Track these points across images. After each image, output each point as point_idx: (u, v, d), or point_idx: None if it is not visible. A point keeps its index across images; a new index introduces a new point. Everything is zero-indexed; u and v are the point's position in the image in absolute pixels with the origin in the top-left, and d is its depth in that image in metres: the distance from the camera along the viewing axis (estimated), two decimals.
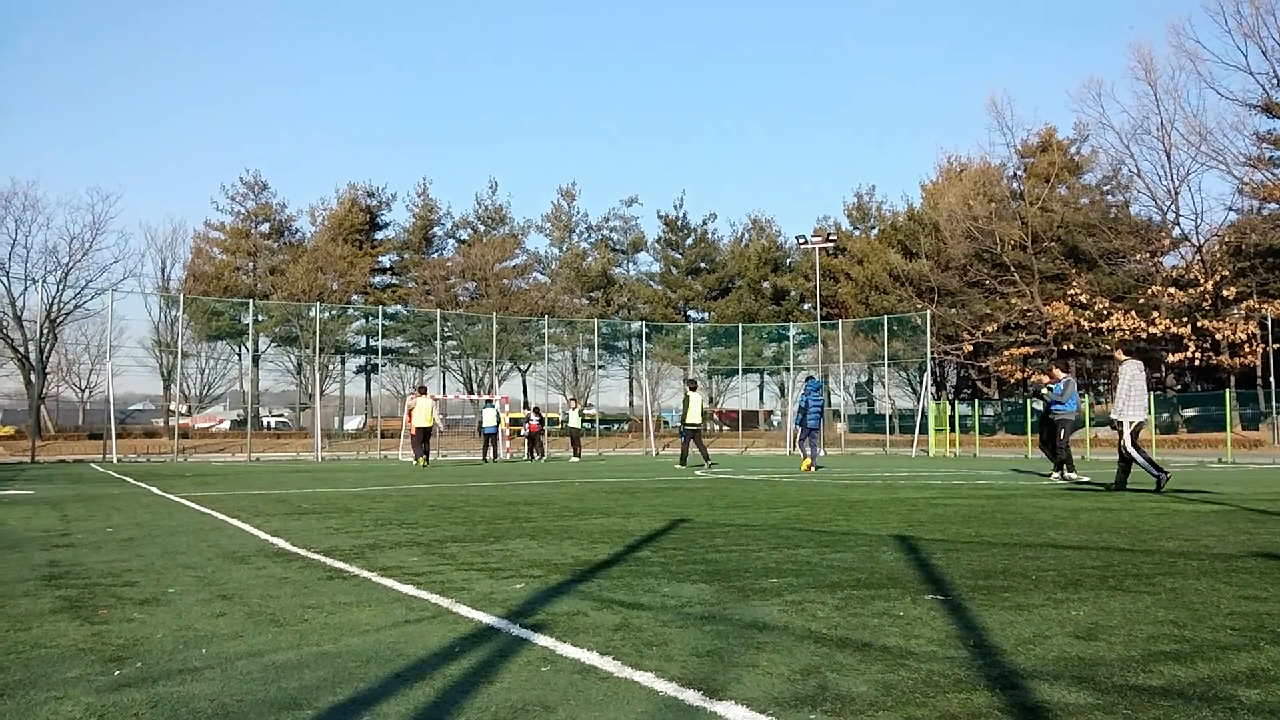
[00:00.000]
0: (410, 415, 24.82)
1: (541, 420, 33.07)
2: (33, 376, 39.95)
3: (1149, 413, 12.82)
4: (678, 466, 20.89)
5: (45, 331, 39.95)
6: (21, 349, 40.60)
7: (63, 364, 47.72)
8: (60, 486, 14.36)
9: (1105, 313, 45.39)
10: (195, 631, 3.68)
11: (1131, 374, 12.58)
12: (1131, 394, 12.47)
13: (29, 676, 2.99)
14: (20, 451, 32.43)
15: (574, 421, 30.16)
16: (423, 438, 23.84)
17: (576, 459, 27.84)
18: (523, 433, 32.73)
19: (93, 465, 25.66)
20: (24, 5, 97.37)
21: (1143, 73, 43.92)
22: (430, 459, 24.55)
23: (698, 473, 20.37)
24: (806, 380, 21.36)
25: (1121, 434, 12.47)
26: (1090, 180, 52.62)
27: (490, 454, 29.14)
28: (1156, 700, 2.68)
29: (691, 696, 2.74)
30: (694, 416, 20.47)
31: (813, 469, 18.91)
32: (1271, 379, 40.57)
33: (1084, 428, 29.97)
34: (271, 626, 3.77)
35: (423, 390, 26.16)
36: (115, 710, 2.61)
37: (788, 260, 62.83)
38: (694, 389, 20.99)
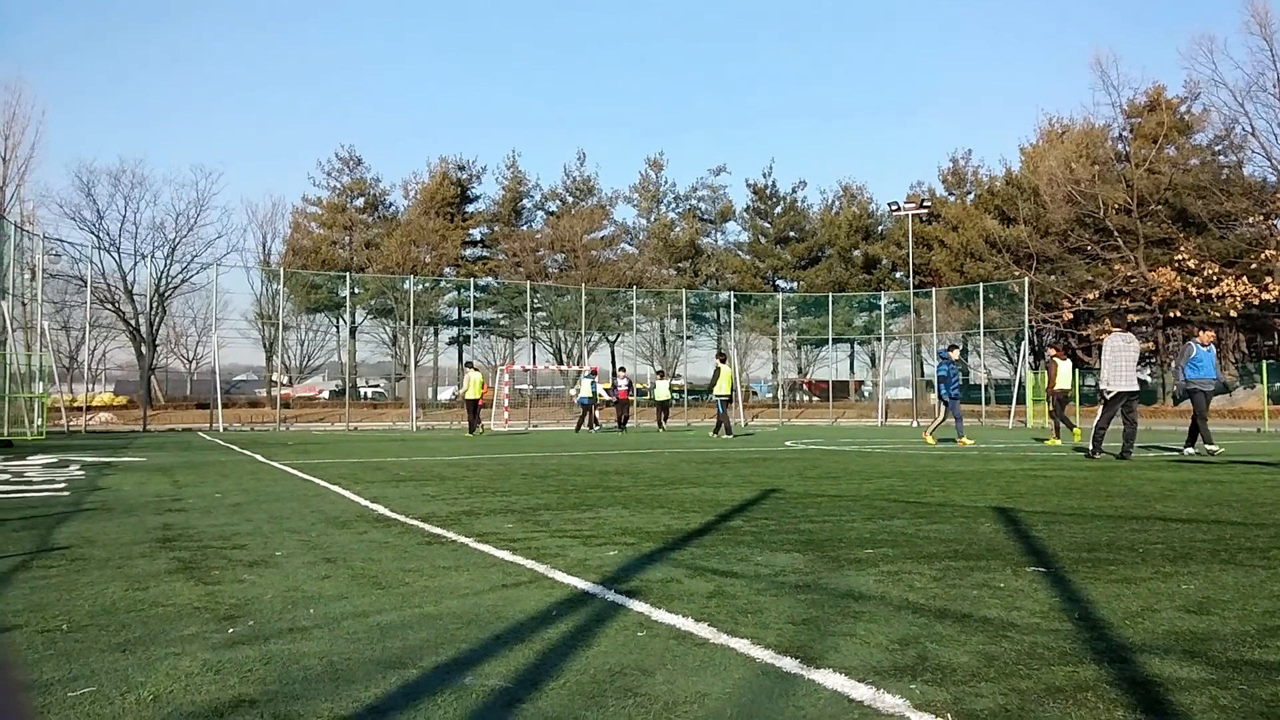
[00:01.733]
0: (468, 388, 26.07)
1: (630, 386, 31.97)
2: (143, 348, 41.68)
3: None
4: (711, 435, 22.11)
5: (154, 305, 41.57)
6: (132, 322, 42.37)
7: (171, 336, 49.65)
8: (170, 454, 15.00)
9: (1215, 278, 43.41)
10: (302, 592, 3.81)
11: (1115, 345, 12.92)
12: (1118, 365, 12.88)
13: (148, 633, 3.14)
14: (133, 420, 33.99)
15: (661, 394, 30.36)
16: (473, 409, 25.25)
17: (662, 430, 28.15)
18: (607, 397, 32.01)
19: (200, 433, 26.74)
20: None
21: (1257, 27, 41.56)
22: (484, 427, 26.06)
23: (722, 436, 21.04)
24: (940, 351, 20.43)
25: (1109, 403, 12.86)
26: (1201, 140, 50.17)
27: (587, 424, 29.57)
28: (1274, 675, 2.58)
29: (788, 664, 2.73)
30: (723, 388, 21.88)
31: (965, 441, 17.37)
32: None
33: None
34: (374, 589, 3.88)
35: (470, 365, 27.26)
36: (230, 666, 2.73)
37: (879, 228, 61.57)
38: (723, 361, 22.48)
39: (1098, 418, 12.97)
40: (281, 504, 7.23)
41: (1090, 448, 12.82)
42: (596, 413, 29.94)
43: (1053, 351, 20.22)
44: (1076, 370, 27.01)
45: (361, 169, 58.58)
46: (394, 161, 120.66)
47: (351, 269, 49.73)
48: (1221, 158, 49.14)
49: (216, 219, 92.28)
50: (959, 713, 2.29)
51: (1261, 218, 44.33)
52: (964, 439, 17.49)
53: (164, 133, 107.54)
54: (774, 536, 5.32)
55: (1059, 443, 17.84)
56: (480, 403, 25.90)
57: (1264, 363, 37.33)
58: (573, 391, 34.25)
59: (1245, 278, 42.83)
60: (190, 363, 54.39)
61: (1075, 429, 18.84)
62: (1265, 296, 41.83)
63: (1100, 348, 13.64)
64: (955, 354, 18.46)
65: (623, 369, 32.49)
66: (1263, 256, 42.64)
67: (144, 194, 55.95)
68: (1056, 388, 19.37)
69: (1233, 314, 43.45)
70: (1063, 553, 4.68)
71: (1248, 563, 4.38)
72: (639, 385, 41.95)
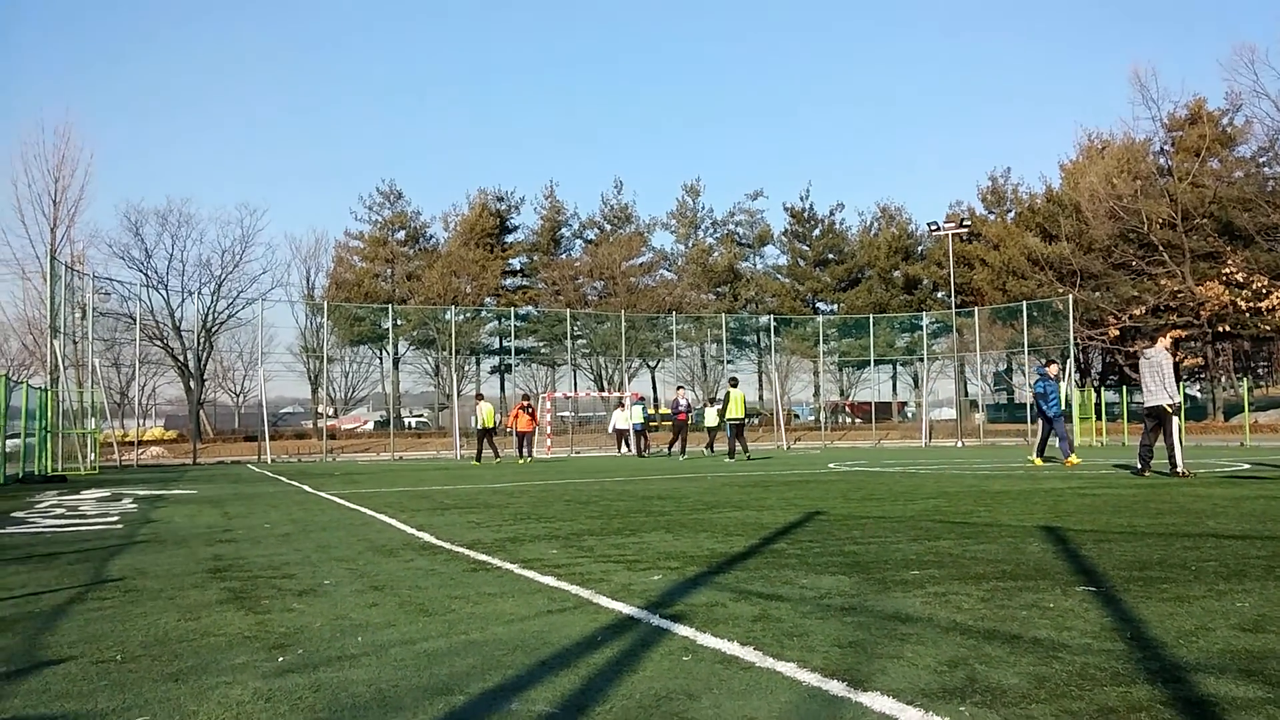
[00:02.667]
0: (514, 418, 26.19)
1: (689, 408, 31.13)
2: (191, 383, 42.41)
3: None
4: (726, 460, 22.04)
5: (201, 340, 42.33)
6: (181, 357, 43.15)
7: (218, 370, 50.48)
8: (220, 486, 15.22)
9: (1264, 291, 42.56)
10: (350, 620, 3.85)
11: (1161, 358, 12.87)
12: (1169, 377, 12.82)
13: (200, 663, 3.19)
14: (183, 454, 34.54)
15: (710, 420, 30.29)
16: (486, 438, 25.26)
17: (709, 452, 28.21)
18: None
19: (249, 465, 27.11)
20: (167, 38, 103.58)
21: None
22: (496, 456, 25.89)
23: (727, 460, 21.05)
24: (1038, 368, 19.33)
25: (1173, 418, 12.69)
26: (1244, 152, 49.38)
27: (641, 448, 30.06)
28: None
29: (835, 687, 2.71)
30: (735, 411, 22.22)
31: (1072, 460, 16.16)
32: None
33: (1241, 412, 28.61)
34: (421, 616, 3.92)
35: (480, 396, 27.27)
36: (280, 694, 2.76)
37: (919, 248, 61.21)
38: (735, 386, 22.88)
39: (1175, 435, 12.65)
40: (329, 533, 7.31)
41: (1182, 468, 12.43)
42: (642, 437, 30.17)
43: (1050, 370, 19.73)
44: (1124, 387, 26.27)
45: (402, 202, 59.43)
46: (434, 194, 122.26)
47: (393, 301, 50.37)
48: (1266, 169, 48.33)
49: (261, 255, 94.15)
50: None
51: None
52: (1071, 458, 16.21)
53: (210, 172, 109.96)
54: (818, 559, 5.29)
55: (1077, 461, 17.60)
56: (512, 429, 26.09)
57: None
58: (619, 419, 33.89)
59: None
60: (238, 396, 55.23)
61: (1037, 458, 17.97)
62: None
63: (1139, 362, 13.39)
64: (1054, 370, 17.63)
65: (681, 387, 31.41)
66: None
67: (190, 232, 57.17)
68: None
69: None
70: (1113, 571, 4.60)
71: None
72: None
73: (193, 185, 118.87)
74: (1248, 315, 43.89)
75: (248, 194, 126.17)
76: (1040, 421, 17.42)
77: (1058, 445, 16.80)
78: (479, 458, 25.19)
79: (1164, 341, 13.38)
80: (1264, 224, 43.63)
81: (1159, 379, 12.75)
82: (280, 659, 3.21)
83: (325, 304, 43.94)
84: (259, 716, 2.54)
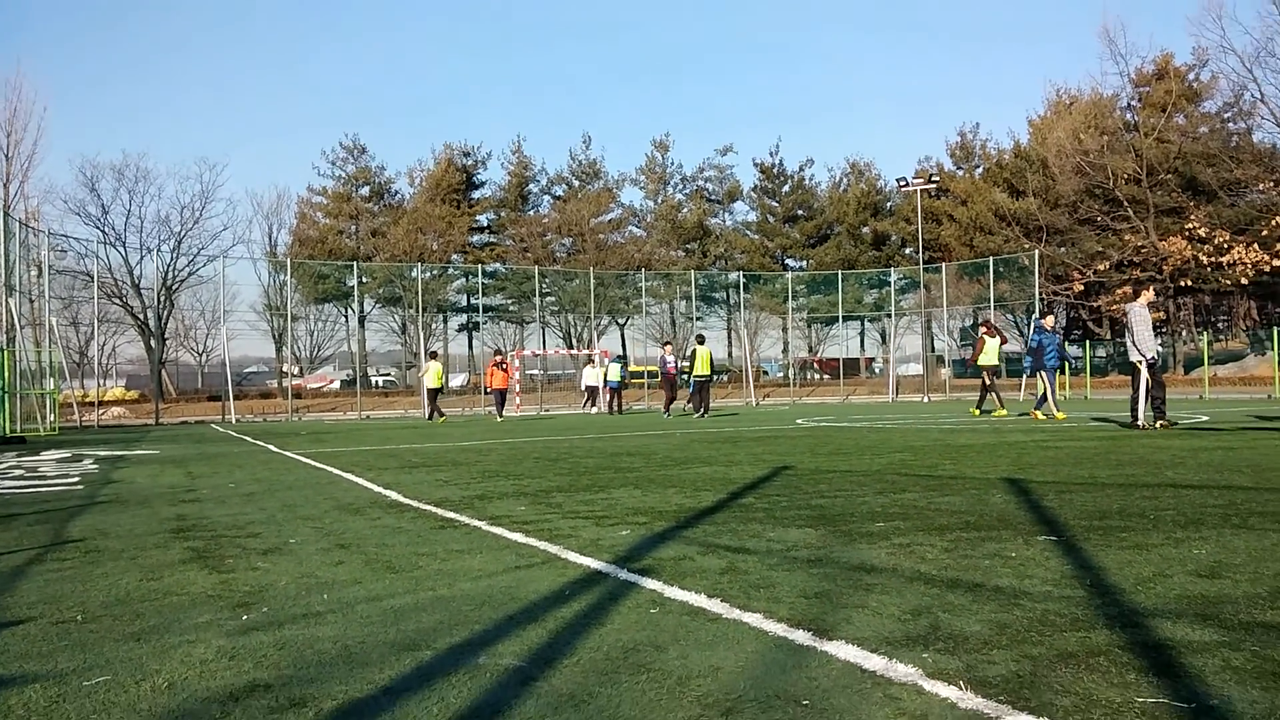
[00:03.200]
0: (489, 375, 25.97)
1: (677, 364, 28.78)
2: (152, 342, 41.87)
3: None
4: (695, 416, 21.95)
5: (162, 299, 41.74)
6: (141, 316, 42.53)
7: (180, 329, 49.87)
8: (184, 446, 15.08)
9: (1225, 246, 43.13)
10: (316, 578, 3.83)
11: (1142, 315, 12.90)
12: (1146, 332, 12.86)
13: (162, 622, 3.16)
14: (145, 414, 34.13)
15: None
16: (433, 397, 25.20)
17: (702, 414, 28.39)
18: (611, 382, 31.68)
19: (213, 425, 26.86)
20: None
21: None
22: (444, 416, 25.68)
23: (693, 415, 21.69)
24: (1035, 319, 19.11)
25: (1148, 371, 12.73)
26: (1210, 108, 49.75)
27: (616, 406, 29.98)
28: None
29: (801, 636, 2.74)
30: (702, 368, 22.28)
31: (1049, 415, 16.30)
32: None
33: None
34: (388, 573, 3.90)
35: (434, 355, 26.98)
36: (244, 652, 2.74)
37: (888, 204, 61.31)
38: (702, 343, 22.94)
39: (1148, 388, 12.65)
40: (295, 492, 7.26)
41: (1166, 417, 12.58)
42: (617, 395, 30.02)
43: (984, 329, 20.31)
44: (1087, 342, 26.56)
45: (366, 157, 58.62)
46: (399, 149, 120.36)
47: (358, 258, 49.83)
48: (1230, 125, 48.75)
49: (222, 211, 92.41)
50: (971, 680, 2.29)
51: (1271, 184, 43.99)
52: (1054, 413, 16.41)
53: (166, 126, 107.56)
54: (786, 512, 5.33)
55: (976, 413, 18.43)
56: (488, 386, 25.98)
57: (1275, 329, 37.08)
58: (589, 375, 33.52)
59: (1256, 245, 42.53)
60: (201, 356, 54.65)
61: (997, 409, 18.82)
62: (1276, 263, 41.54)
63: (1119, 317, 13.60)
64: (1050, 321, 17.28)
65: (668, 343, 28.61)
66: (1273, 223, 42.31)
67: (148, 188, 55.84)
68: (983, 363, 19.49)
69: (1244, 281, 43.18)
70: (1074, 521, 4.67)
71: (1259, 526, 4.37)
72: (649, 368, 41.85)
73: (150, 140, 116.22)
74: (1209, 270, 44.51)
75: (207, 148, 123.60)
76: (1038, 376, 17.06)
77: (1044, 397, 16.64)
78: (431, 416, 25.09)
79: (1145, 295, 13.38)
80: (1227, 179, 44.10)
81: (1131, 334, 12.88)
82: (244, 617, 3.18)
83: (288, 261, 43.29)
84: (222, 674, 2.52)
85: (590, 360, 33.24)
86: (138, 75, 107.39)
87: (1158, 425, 12.49)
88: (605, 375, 31.31)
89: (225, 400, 32.75)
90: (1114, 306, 48.74)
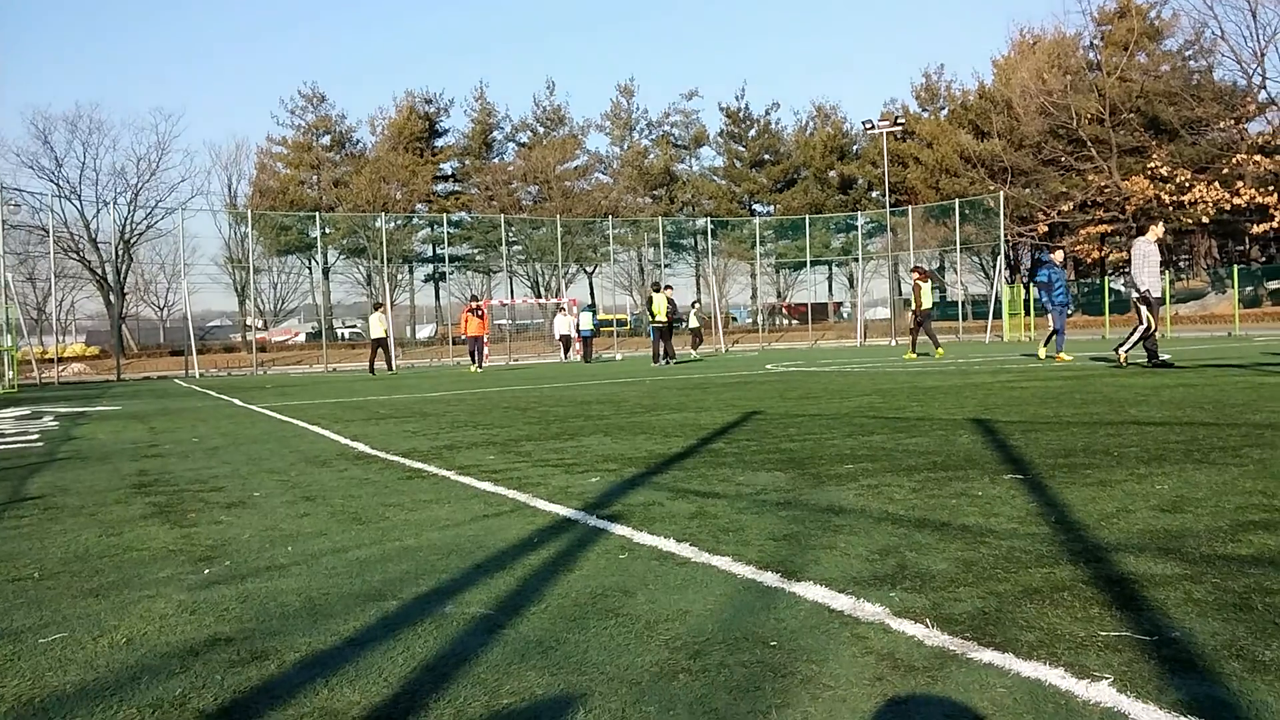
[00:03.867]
0: (464, 322, 25.13)
1: (675, 308, 26.43)
2: (112, 297, 41.15)
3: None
4: (652, 365, 21.89)
5: (120, 252, 40.96)
6: (99, 270, 41.74)
7: (140, 284, 49.00)
8: (146, 402, 14.88)
9: (1187, 185, 43.47)
10: (281, 531, 3.79)
11: (1145, 250, 12.52)
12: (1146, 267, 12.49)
13: (123, 578, 3.11)
14: (106, 370, 33.66)
15: (694, 322, 32.47)
16: (378, 346, 24.35)
17: (695, 354, 30.07)
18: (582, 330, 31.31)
19: (176, 381, 26.55)
20: None
21: None
22: (391, 369, 25.02)
23: (658, 365, 21.51)
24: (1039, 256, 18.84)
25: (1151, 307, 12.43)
26: (1171, 46, 49.83)
27: (586, 355, 29.62)
28: (1246, 569, 2.61)
29: (770, 578, 2.74)
30: (660, 315, 22.34)
31: (1062, 356, 15.26)
32: None
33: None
34: (354, 524, 3.87)
35: (378, 305, 26.07)
36: (206, 606, 2.70)
37: (854, 147, 61.10)
38: (657, 290, 22.98)
39: (1147, 325, 12.30)
40: (260, 446, 7.18)
41: (1160, 357, 12.32)
42: (588, 344, 29.83)
43: (915, 275, 20.56)
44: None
45: (326, 106, 57.40)
46: (359, 97, 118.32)
47: (321, 209, 49.00)
48: (1192, 63, 48.92)
49: (179, 162, 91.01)
50: (938, 618, 2.30)
51: (1232, 122, 44.29)
52: (1062, 354, 15.36)
53: (120, 76, 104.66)
54: (755, 457, 5.33)
55: (913, 357, 18.94)
56: (462, 334, 25.07)
57: (1235, 268, 37.59)
58: (561, 324, 33.06)
59: (1217, 183, 42.90)
60: (162, 310, 53.81)
61: (939, 349, 19.65)
62: (1236, 201, 41.96)
63: (1081, 258, 13.49)
64: (1059, 256, 16.28)
65: (669, 286, 25.45)
66: (1234, 161, 42.65)
67: (103, 139, 55.01)
68: (922, 308, 19.95)
69: (1204, 220, 43.61)
70: (1039, 460, 4.71)
71: (1220, 461, 4.42)
72: (618, 316, 41.84)
73: (103, 90, 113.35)
74: (1171, 209, 44.87)
75: (162, 98, 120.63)
76: (1049, 313, 15.87)
77: (1055, 334, 15.70)
78: (373, 368, 24.23)
79: (1153, 230, 12.85)
80: (1188, 118, 44.31)
81: (1132, 269, 12.69)
82: (206, 571, 3.14)
83: (249, 213, 42.52)
84: (183, 629, 2.48)
85: (561, 309, 32.92)
86: (89, 23, 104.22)
87: (1121, 358, 12.46)
88: (578, 324, 31.18)
89: (188, 355, 32.36)
90: (1077, 247, 49.16)
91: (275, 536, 3.68)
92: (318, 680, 2.07)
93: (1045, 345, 16.23)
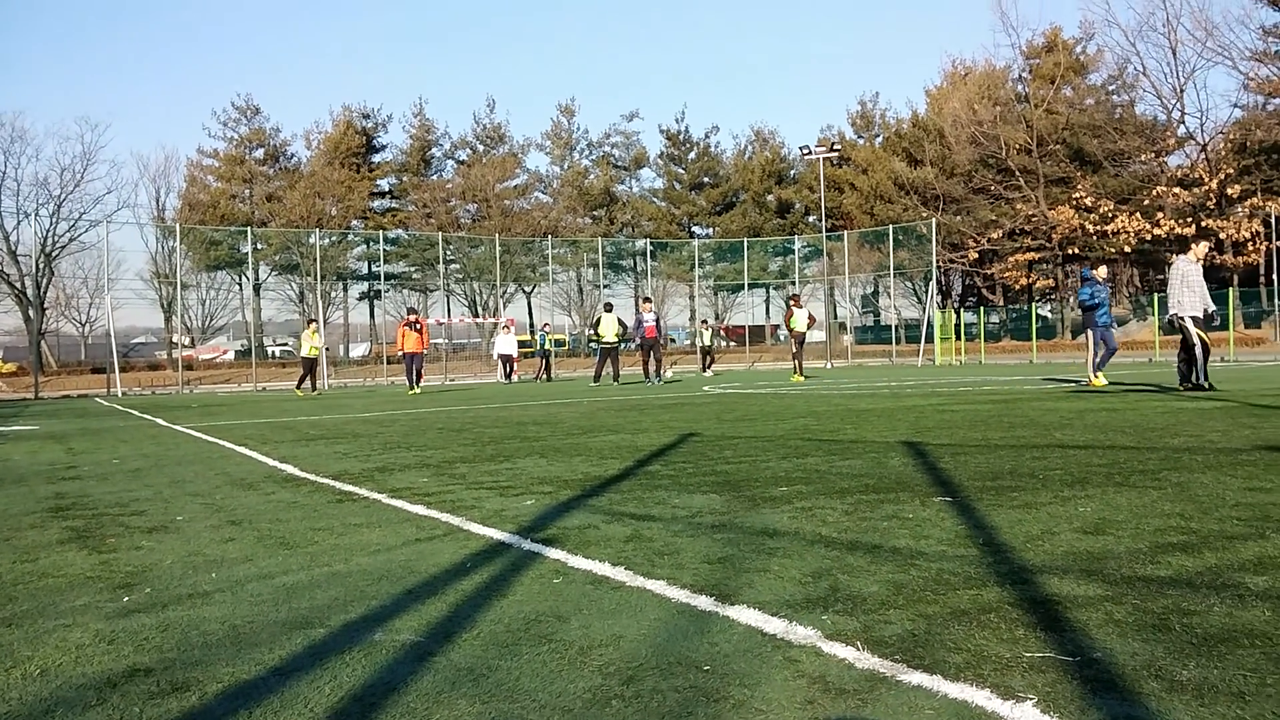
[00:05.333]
0: (401, 337, 24.01)
1: (658, 323, 24.37)
2: (31, 312, 39.90)
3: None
4: (591, 384, 22.06)
5: (41, 266, 39.77)
6: (17, 284, 40.46)
7: (61, 298, 47.67)
8: (65, 421, 14.43)
9: (1110, 215, 44.90)
10: (204, 556, 3.69)
11: (1183, 270, 12.48)
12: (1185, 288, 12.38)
13: (37, 606, 3.00)
14: (23, 388, 32.54)
15: (705, 340, 33.98)
16: (309, 368, 23.66)
17: (709, 373, 31.46)
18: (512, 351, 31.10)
19: (97, 399, 25.78)
20: None
21: None
22: (317, 388, 24.52)
23: (592, 385, 21.65)
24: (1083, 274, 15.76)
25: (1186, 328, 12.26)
26: (1095, 80, 51.64)
27: (512, 375, 29.90)
28: (1165, 590, 2.68)
29: (704, 602, 2.74)
30: (608, 336, 22.41)
31: (1099, 380, 13.58)
32: (1275, 277, 40.37)
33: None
34: (281, 549, 3.78)
35: (311, 321, 25.29)
36: (124, 635, 2.62)
37: (792, 172, 61.98)
38: (608, 310, 23.09)
39: (1204, 346, 12.06)
40: (184, 468, 7.00)
41: (1206, 381, 11.93)
42: (545, 362, 30.47)
43: (792, 301, 23.10)
44: (981, 308, 27.51)
45: (260, 118, 56.65)
46: (295, 110, 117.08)
47: (253, 223, 48.15)
48: (1115, 97, 50.68)
49: (105, 174, 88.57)
50: (868, 641, 2.32)
51: (1153, 155, 45.89)
52: (1098, 377, 13.64)
53: (44, 82, 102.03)
54: (691, 479, 5.35)
55: (802, 379, 20.29)
56: (400, 351, 23.87)
57: (1155, 295, 38.81)
58: (502, 343, 31.72)
59: (1138, 214, 44.39)
60: (84, 326, 52.41)
61: (797, 375, 21.34)
62: (1157, 232, 43.44)
63: (1010, 284, 13.63)
64: (1102, 272, 14.46)
65: (648, 299, 24.41)
66: (1154, 193, 44.18)
67: (24, 148, 53.26)
68: (794, 328, 21.89)
69: (1127, 249, 45.03)
70: (968, 482, 4.79)
71: (1140, 484, 4.55)
72: (558, 336, 41.78)
73: (25, 97, 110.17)
74: (1095, 238, 46.27)
75: (88, 107, 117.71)
76: (1090, 334, 14.09)
77: (1094, 359, 13.80)
78: (300, 386, 23.47)
79: (1194, 249, 12.56)
80: (1111, 150, 45.82)
81: (1169, 290, 12.59)
82: (125, 599, 3.04)
83: (178, 226, 41.67)
84: (100, 659, 2.40)
85: (505, 327, 32.38)
86: (10, 26, 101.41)
87: (1182, 387, 12.00)
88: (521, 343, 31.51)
89: (110, 373, 31.43)
90: (1006, 274, 50.39)
91: (198, 562, 3.58)
92: (240, 712, 2.02)
93: (1098, 372, 13.77)
